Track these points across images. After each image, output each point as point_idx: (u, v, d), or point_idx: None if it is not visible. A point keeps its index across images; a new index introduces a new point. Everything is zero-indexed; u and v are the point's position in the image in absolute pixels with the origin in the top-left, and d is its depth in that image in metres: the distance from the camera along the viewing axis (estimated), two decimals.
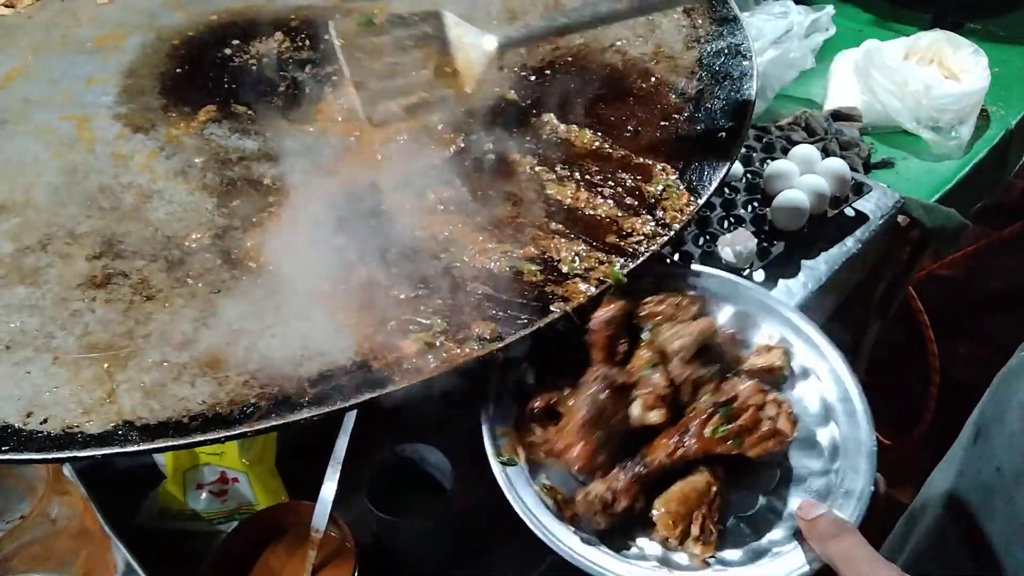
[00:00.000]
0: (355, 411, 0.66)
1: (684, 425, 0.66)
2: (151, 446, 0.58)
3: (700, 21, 1.01)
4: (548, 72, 0.95)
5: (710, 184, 0.78)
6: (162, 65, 0.98)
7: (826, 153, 1.24)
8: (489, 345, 0.64)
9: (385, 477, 0.81)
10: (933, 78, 1.36)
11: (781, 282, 1.06)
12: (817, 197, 1.07)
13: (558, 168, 0.81)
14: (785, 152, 1.19)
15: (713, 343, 0.69)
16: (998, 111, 1.46)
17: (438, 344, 0.64)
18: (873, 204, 1.15)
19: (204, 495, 0.86)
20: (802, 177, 1.09)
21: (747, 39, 0.97)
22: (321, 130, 0.87)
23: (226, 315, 0.68)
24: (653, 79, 0.93)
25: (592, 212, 0.77)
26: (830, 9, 1.52)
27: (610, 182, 0.79)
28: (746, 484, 0.68)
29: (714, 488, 0.65)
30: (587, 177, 0.80)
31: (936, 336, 1.65)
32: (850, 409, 0.70)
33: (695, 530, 0.63)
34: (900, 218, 1.20)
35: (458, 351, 0.63)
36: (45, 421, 0.60)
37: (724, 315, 0.78)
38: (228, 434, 0.59)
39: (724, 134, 0.84)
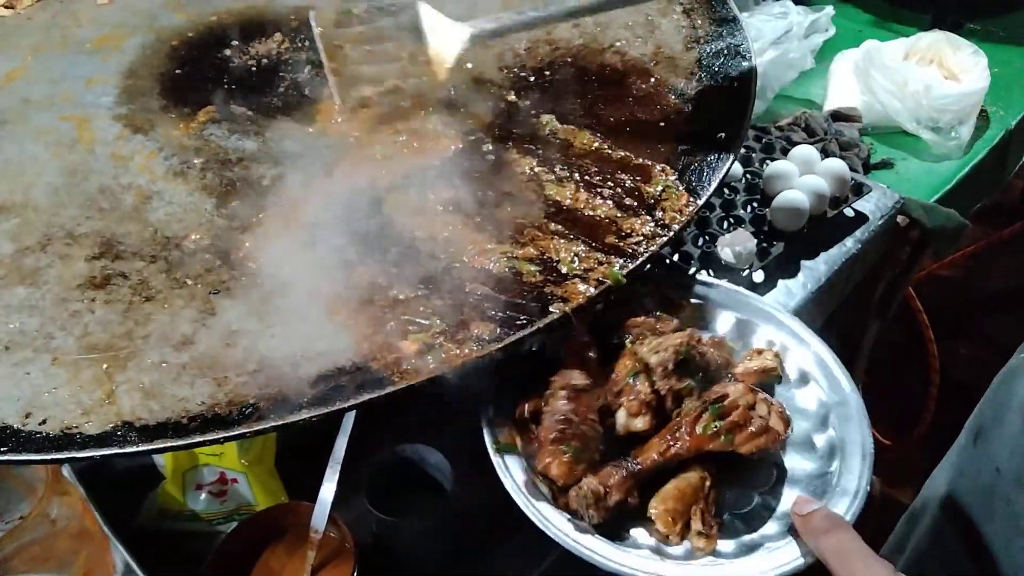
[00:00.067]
0: (354, 412, 0.66)
1: (675, 425, 0.67)
2: (150, 447, 0.59)
3: (700, 22, 1.01)
4: (548, 73, 0.95)
5: (709, 185, 0.78)
6: (162, 66, 0.98)
7: (826, 154, 1.23)
8: (488, 346, 0.64)
9: (385, 477, 0.81)
10: (933, 78, 1.36)
11: (781, 282, 1.06)
12: (817, 197, 1.07)
13: (557, 169, 0.81)
14: (785, 153, 1.19)
15: (693, 355, 0.69)
16: (998, 111, 1.46)
17: (437, 344, 0.64)
18: (873, 204, 1.15)
19: (203, 496, 0.86)
20: (802, 178, 1.09)
21: (746, 40, 0.97)
22: (321, 130, 0.87)
23: (225, 316, 0.68)
24: (652, 80, 0.93)
25: (591, 213, 0.77)
26: (830, 10, 1.52)
27: (609, 183, 0.79)
28: (741, 482, 0.68)
29: (708, 483, 0.65)
30: (586, 178, 0.80)
31: (936, 336, 1.65)
32: (847, 413, 0.70)
33: (696, 524, 0.63)
34: (900, 218, 1.20)
35: (457, 352, 0.63)
36: (44, 422, 0.60)
37: (723, 323, 0.79)
38: (227, 435, 0.59)
39: (723, 135, 0.84)
